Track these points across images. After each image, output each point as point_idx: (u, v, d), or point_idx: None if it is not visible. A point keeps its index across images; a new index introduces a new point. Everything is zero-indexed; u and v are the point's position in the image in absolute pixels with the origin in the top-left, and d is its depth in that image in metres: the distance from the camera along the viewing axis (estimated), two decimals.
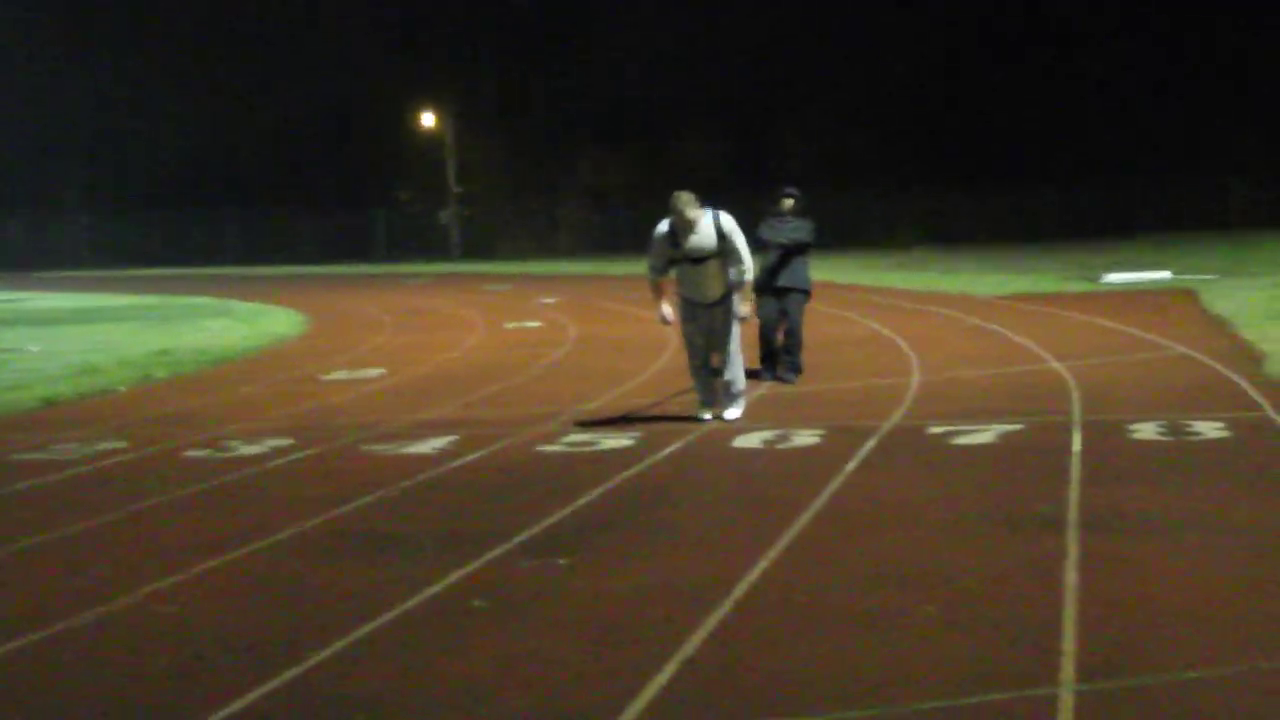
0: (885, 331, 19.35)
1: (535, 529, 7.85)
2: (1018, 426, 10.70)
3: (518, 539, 7.62)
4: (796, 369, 14.07)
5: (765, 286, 13.87)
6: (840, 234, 58.30)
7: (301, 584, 6.92)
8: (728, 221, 11.15)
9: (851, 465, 9.45)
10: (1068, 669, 5.11)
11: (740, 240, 11.19)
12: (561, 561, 7.13)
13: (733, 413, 11.54)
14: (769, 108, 67.17)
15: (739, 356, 11.49)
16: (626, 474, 9.46)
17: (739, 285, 11.27)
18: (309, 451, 11.03)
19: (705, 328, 11.43)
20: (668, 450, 10.33)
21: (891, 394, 12.91)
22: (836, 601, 6.19)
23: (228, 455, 10.99)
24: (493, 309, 27.87)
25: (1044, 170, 60.17)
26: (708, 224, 11.09)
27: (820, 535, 7.48)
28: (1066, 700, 4.80)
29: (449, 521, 8.21)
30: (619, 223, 62.30)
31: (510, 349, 19.11)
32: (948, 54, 65.30)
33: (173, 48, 71.09)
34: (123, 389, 15.84)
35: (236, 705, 5.13)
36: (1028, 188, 59.09)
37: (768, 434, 10.87)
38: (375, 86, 68.66)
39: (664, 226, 11.19)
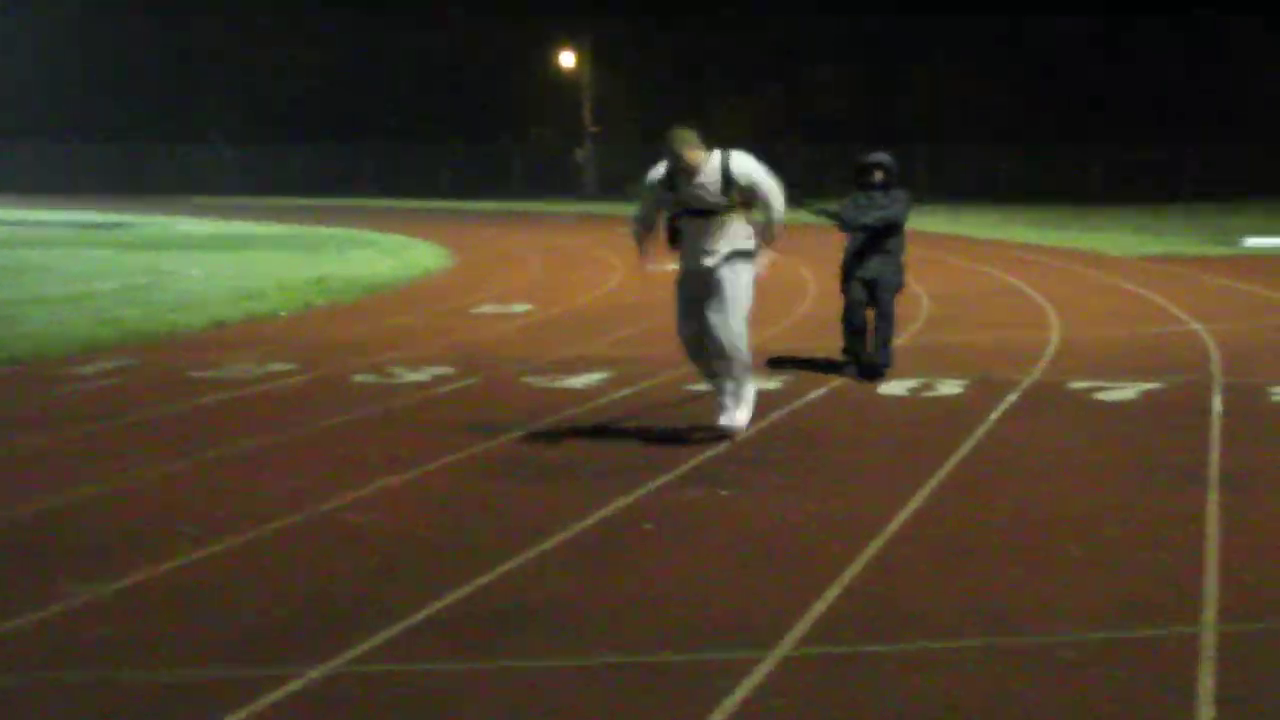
0: (1023, 287, 19.53)
1: (693, 462, 8.28)
2: (1158, 385, 10.94)
3: (677, 471, 8.06)
4: (887, 359, 11.64)
5: (850, 274, 11.78)
6: (972, 187, 58.20)
7: (479, 502, 7.42)
8: (742, 163, 8.83)
9: (995, 415, 9.78)
10: (1209, 610, 5.47)
11: (765, 181, 8.86)
12: (723, 493, 7.57)
13: (739, 416, 9.06)
14: (902, 50, 66.67)
15: (741, 330, 8.96)
16: (775, 415, 9.85)
17: (768, 235, 9.04)
18: (470, 380, 11.55)
19: (701, 297, 9.00)
20: (813, 394, 10.71)
21: (1032, 349, 13.17)
22: (986, 539, 6.58)
23: (394, 381, 11.54)
24: (631, 249, 28.25)
25: (1182, 128, 59.25)
26: (714, 169, 8.81)
27: (968, 478, 7.86)
28: (1209, 639, 5.15)
29: (610, 451, 8.66)
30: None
31: (652, 289, 19.47)
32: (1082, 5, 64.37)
33: None
34: (284, 314, 16.50)
35: (435, 606, 5.61)
36: (1164, 146, 58.25)
37: (911, 383, 11.21)
38: (515, 23, 69.18)
39: (658, 170, 8.98)
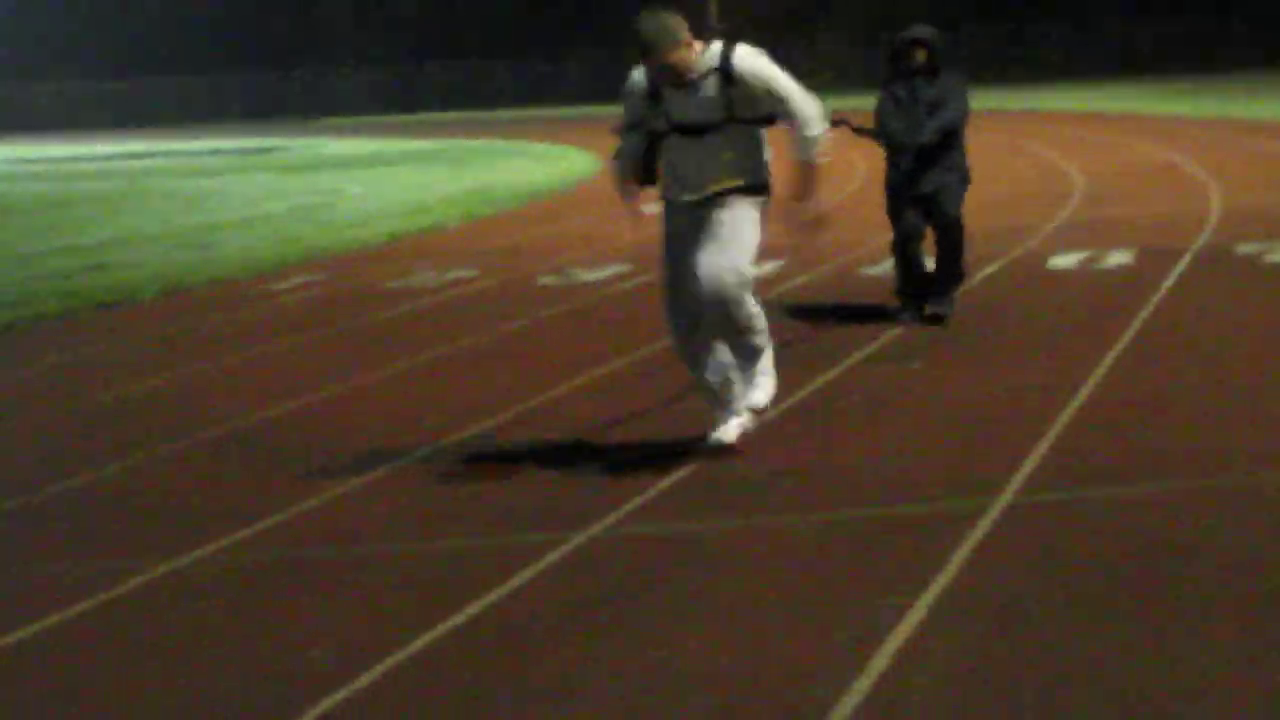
0: (1176, 158, 19.55)
1: (880, 341, 8.68)
2: None
3: (865, 350, 8.47)
4: (954, 282, 9.32)
5: (900, 196, 9.20)
6: (1109, 59, 57.33)
7: (689, 385, 7.88)
8: (749, 61, 6.16)
9: (1168, 282, 10.05)
10: None
11: (783, 82, 6.17)
12: (914, 366, 7.98)
13: (758, 396, 6.51)
14: None
15: (745, 275, 6.26)
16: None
17: (808, 158, 6.26)
18: (648, 277, 12.00)
19: (690, 239, 6.35)
20: (985, 271, 11.00)
21: (1194, 218, 13.33)
22: (1182, 396, 6.98)
23: (575, 281, 12.04)
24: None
25: None
26: (710, 72, 6.18)
27: (1154, 343, 8.19)
28: None
29: (800, 334, 9.08)
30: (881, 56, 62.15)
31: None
32: None
33: None
34: (453, 224, 17.09)
35: (678, 475, 6.10)
36: None
37: (1080, 255, 11.49)
38: None
39: (637, 76, 6.34)
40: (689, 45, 6.11)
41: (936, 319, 9.12)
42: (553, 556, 5.21)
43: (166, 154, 39.21)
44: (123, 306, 12.26)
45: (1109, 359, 7.75)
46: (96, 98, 73.27)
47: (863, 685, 3.96)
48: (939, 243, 9.22)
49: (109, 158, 38.95)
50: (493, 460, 6.63)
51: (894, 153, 9.19)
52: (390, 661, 4.36)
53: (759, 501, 5.73)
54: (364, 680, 4.24)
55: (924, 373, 7.83)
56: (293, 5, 74.17)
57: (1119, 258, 11.24)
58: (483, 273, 12.88)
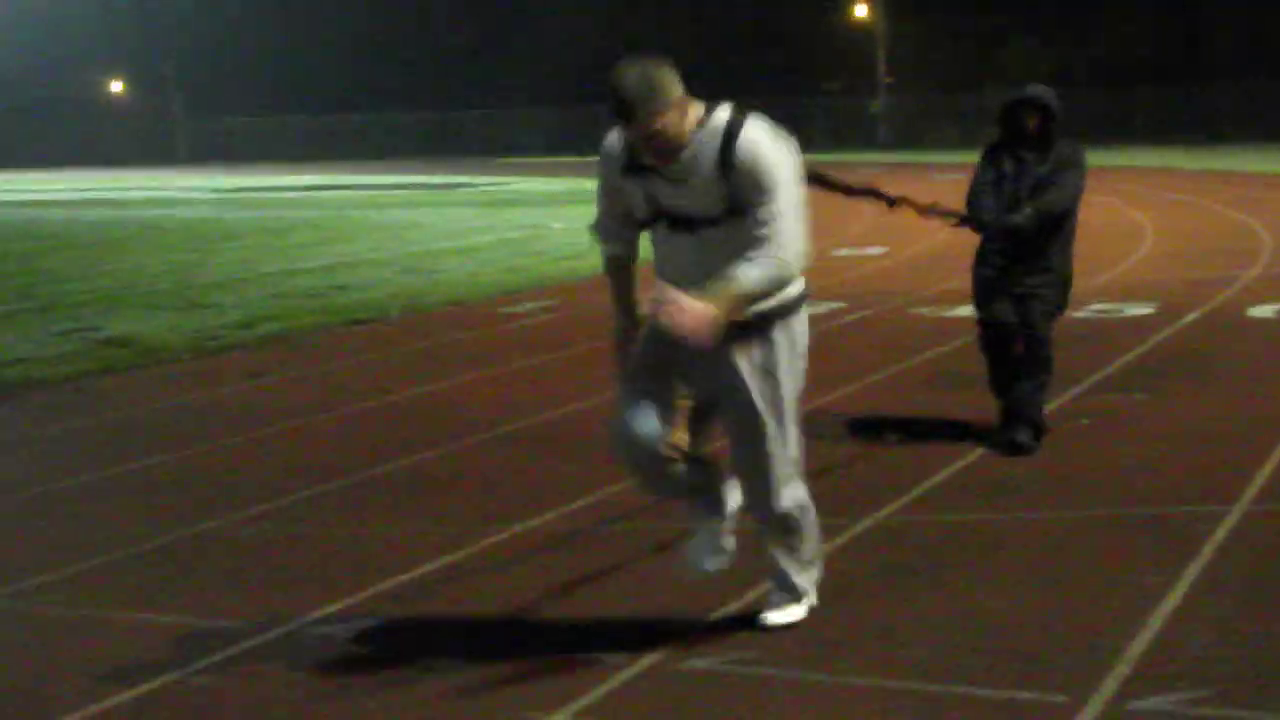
0: None
1: (1104, 373, 9.43)
2: None
3: (1088, 381, 9.21)
4: (1035, 423, 7.48)
5: (993, 285, 7.63)
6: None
7: (927, 404, 8.72)
8: (756, 149, 4.59)
9: None
10: None
11: (782, 200, 4.58)
12: (1138, 395, 8.75)
13: (783, 614, 5.05)
14: None
15: (790, 464, 4.94)
16: (1157, 337, 10.89)
17: (748, 277, 4.53)
18: (864, 313, 12.86)
19: (680, 370, 4.87)
20: (1189, 318, 11.68)
21: None
22: None
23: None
24: (944, 193, 29.14)
25: None
26: (709, 145, 4.60)
27: None
28: None
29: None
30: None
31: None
32: None
33: None
34: None
35: (944, 473, 6.94)
36: None
37: (1278, 305, 12.11)
38: None
39: (613, 139, 4.77)
40: (681, 108, 4.55)
41: (1017, 448, 7.38)
42: (852, 534, 6.08)
43: (357, 186, 40.85)
44: (373, 323, 13.34)
45: None
46: (278, 131, 76.00)
47: (1145, 636, 4.77)
48: (1024, 358, 7.56)
49: (304, 188, 40.68)
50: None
51: (982, 236, 7.74)
52: (732, 607, 5.26)
53: (1025, 499, 6.57)
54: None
55: (1147, 402, 8.60)
56: (468, 50, 76.21)
57: None
58: None
